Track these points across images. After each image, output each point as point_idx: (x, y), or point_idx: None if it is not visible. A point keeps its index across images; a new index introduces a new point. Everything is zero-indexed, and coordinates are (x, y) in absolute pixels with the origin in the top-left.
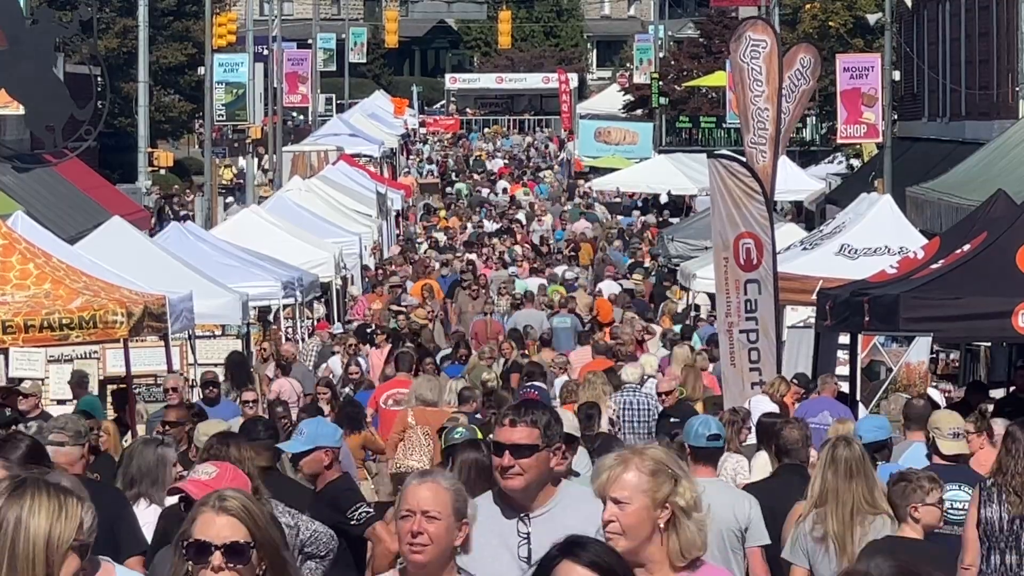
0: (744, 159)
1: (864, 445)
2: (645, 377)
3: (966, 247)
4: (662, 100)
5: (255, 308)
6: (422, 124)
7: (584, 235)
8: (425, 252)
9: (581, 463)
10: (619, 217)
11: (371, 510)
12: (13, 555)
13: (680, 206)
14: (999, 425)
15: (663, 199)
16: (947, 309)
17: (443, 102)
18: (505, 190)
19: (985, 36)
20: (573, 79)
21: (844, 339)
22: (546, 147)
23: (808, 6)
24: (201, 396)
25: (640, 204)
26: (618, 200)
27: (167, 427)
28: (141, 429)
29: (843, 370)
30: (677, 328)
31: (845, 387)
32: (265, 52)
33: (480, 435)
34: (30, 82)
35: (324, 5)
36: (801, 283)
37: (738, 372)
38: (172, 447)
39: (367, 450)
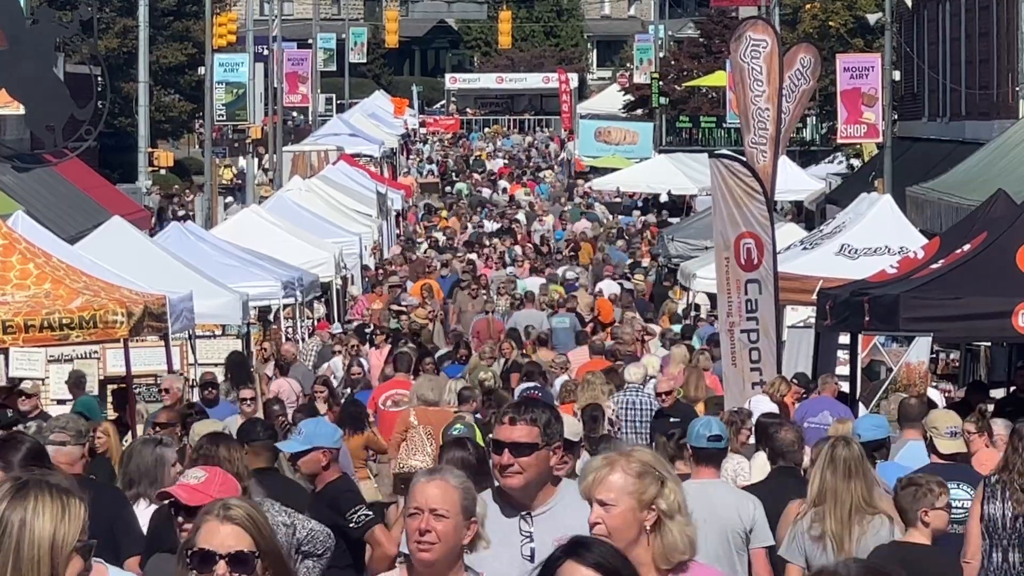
0: (745, 159)
1: (863, 443)
2: (648, 377)
3: (966, 247)
4: (662, 100)
5: (255, 308)
6: (422, 124)
7: (584, 234)
8: (425, 252)
9: None
10: (619, 217)
11: (370, 513)
12: (18, 558)
13: (680, 206)
14: (999, 425)
15: (663, 199)
16: (947, 309)
17: (443, 102)
18: (505, 190)
19: (985, 36)
20: (573, 79)
21: (844, 339)
22: (546, 147)
23: (808, 6)
24: (200, 397)
25: (640, 204)
26: (618, 200)
27: (157, 428)
28: (141, 429)
29: (843, 370)
30: (676, 328)
31: (845, 387)
32: (265, 52)
33: (480, 434)
34: (30, 82)
35: (324, 5)
36: (801, 283)
37: (739, 372)
38: (172, 447)
39: (369, 450)
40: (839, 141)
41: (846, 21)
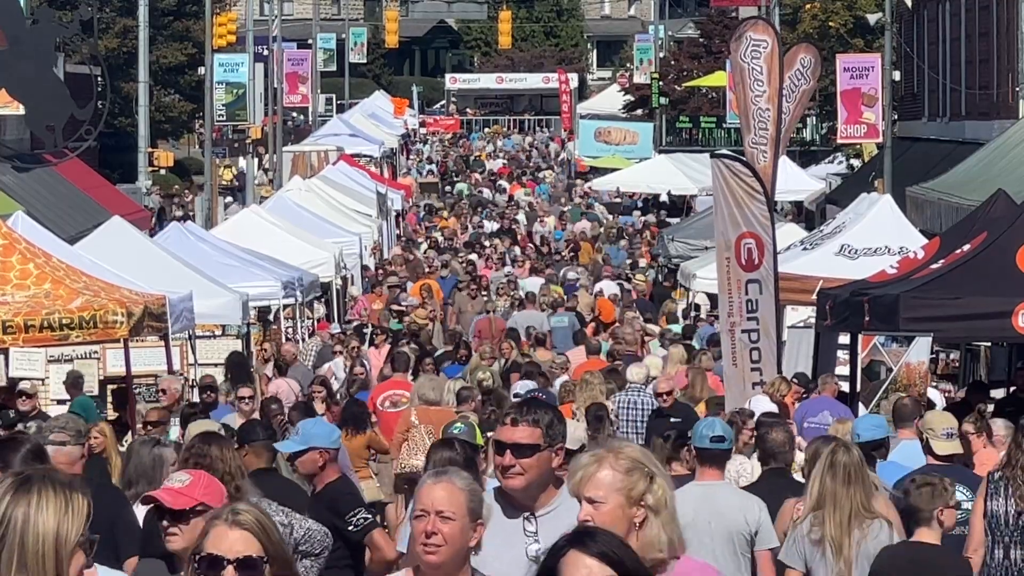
0: (746, 159)
1: (862, 443)
2: (650, 377)
3: (966, 247)
4: (662, 100)
5: (255, 308)
6: (422, 124)
7: (584, 235)
8: (425, 252)
9: None
10: (619, 217)
11: (369, 516)
12: (23, 552)
13: (680, 206)
14: (999, 425)
15: (663, 199)
16: (947, 309)
17: (443, 102)
18: (505, 190)
19: (985, 36)
20: (573, 79)
21: (844, 339)
22: (546, 147)
23: (808, 6)
24: (199, 401)
25: (640, 204)
26: (618, 200)
27: (148, 427)
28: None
29: (843, 370)
30: (675, 328)
31: (845, 387)
32: (265, 52)
33: (480, 434)
34: (30, 82)
35: (324, 5)
36: (801, 283)
37: (740, 372)
38: (171, 447)
39: (371, 450)
40: (839, 141)
41: (846, 21)
